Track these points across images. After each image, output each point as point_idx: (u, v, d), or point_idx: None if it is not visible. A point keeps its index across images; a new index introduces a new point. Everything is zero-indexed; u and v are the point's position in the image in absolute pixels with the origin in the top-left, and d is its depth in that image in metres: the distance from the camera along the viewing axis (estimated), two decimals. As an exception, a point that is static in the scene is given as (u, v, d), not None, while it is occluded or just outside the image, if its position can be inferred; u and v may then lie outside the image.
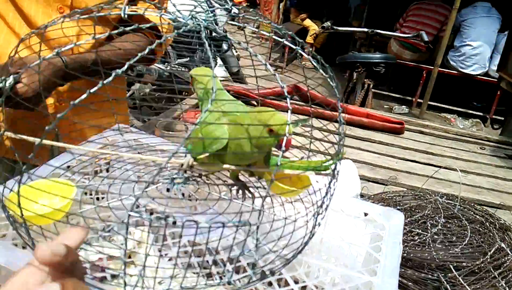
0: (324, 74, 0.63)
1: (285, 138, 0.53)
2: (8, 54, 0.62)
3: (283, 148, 0.54)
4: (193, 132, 0.55)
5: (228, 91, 1.86)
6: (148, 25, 0.53)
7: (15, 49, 0.62)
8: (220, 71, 4.04)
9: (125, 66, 0.50)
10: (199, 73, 0.69)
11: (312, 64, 0.63)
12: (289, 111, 0.52)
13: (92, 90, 0.47)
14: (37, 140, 0.53)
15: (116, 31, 0.57)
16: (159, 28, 1.04)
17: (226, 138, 0.60)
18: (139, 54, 0.51)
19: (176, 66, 3.68)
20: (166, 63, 3.67)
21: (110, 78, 0.50)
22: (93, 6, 0.61)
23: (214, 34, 0.61)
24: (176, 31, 0.53)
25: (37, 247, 0.39)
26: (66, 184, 0.67)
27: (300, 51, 0.62)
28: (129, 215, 0.47)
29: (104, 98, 0.86)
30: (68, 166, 0.81)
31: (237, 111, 0.61)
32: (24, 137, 0.58)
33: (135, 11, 0.57)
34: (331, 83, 0.62)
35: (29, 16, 0.98)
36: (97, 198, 0.83)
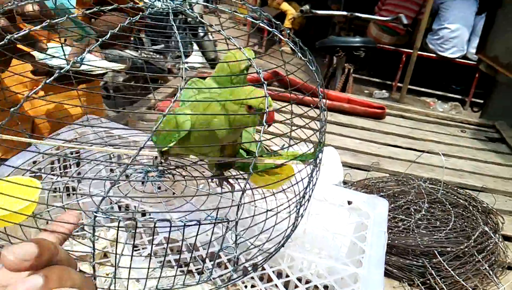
0: (303, 57, 0.60)
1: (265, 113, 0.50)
2: None
3: (265, 123, 0.50)
4: (162, 122, 0.51)
5: (205, 78, 1.77)
6: (124, 6, 0.49)
7: None
8: (196, 57, 3.96)
9: (108, 35, 0.46)
10: None
11: (291, 47, 0.60)
12: (267, 98, 0.49)
13: (48, 81, 0.43)
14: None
15: (90, 11, 0.52)
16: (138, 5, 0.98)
17: (187, 120, 0.55)
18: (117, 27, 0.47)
19: (151, 53, 3.59)
20: (139, 50, 3.57)
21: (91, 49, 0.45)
22: None
23: (189, 18, 0.57)
24: (141, 13, 0.48)
25: (2, 255, 0.34)
26: (30, 182, 0.63)
27: (277, 33, 0.58)
28: (95, 215, 0.43)
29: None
30: (34, 162, 0.76)
31: (211, 87, 0.56)
32: None
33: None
34: (310, 67, 0.59)
35: None
36: (68, 195, 0.78)
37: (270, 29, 0.56)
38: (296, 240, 0.73)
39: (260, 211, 0.55)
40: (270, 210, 0.50)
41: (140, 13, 0.47)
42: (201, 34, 4.05)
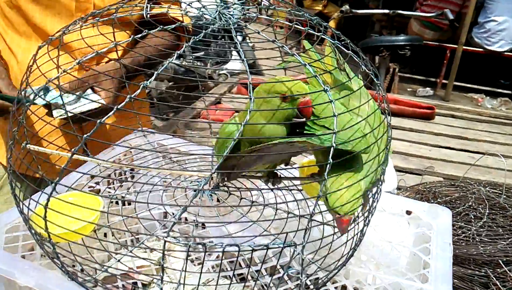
0: (357, 59, 0.58)
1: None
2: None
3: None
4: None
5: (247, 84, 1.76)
6: (172, 26, 0.49)
7: (33, 58, 0.59)
8: (236, 64, 3.97)
9: (153, 77, 0.46)
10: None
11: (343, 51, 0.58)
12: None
13: (120, 106, 0.43)
14: (62, 154, 0.50)
15: (139, 35, 0.53)
16: (184, 28, 0.99)
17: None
18: (166, 63, 0.47)
19: (191, 60, 3.63)
20: (181, 58, 3.63)
21: (138, 92, 0.45)
22: (111, 6, 0.57)
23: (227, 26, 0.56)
24: (203, 31, 0.48)
25: None
26: (92, 197, 0.64)
27: (327, 38, 0.57)
28: (165, 241, 0.43)
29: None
30: (92, 176, 0.78)
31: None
32: (47, 150, 0.55)
33: (157, 9, 0.52)
34: (365, 69, 0.57)
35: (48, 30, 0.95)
36: (123, 204, 0.80)
37: (316, 33, 0.55)
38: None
39: (329, 234, 0.53)
40: (333, 234, 0.49)
41: (203, 31, 0.47)
42: (240, 39, 4.07)
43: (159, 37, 0.98)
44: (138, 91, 0.44)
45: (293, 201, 0.71)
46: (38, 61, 0.58)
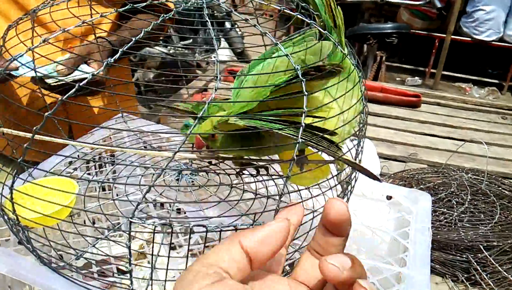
0: (341, 50, 0.57)
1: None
2: None
3: None
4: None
5: (235, 72, 1.77)
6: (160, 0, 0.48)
7: (5, 33, 0.57)
8: (225, 52, 3.94)
9: (130, 43, 0.45)
10: None
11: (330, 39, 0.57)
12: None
13: (96, 72, 0.42)
14: (28, 135, 0.49)
15: (124, 8, 0.51)
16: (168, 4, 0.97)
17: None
18: (143, 30, 0.46)
19: (179, 48, 3.59)
20: (168, 47, 3.59)
21: (116, 56, 0.44)
22: None
23: (216, 13, 0.55)
24: (174, 9, 0.47)
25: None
26: (68, 182, 0.63)
27: (315, 25, 0.56)
28: (130, 221, 0.42)
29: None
30: (70, 162, 0.77)
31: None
32: (20, 133, 0.53)
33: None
34: (351, 61, 0.56)
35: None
36: (103, 189, 0.78)
37: (308, 21, 0.54)
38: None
39: (306, 212, 0.53)
40: (313, 211, 0.48)
41: (173, 9, 0.46)
42: (228, 27, 4.03)
43: (142, 20, 0.96)
44: (116, 55, 0.42)
45: (274, 185, 0.70)
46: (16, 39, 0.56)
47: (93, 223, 0.78)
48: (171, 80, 3.24)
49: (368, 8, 3.66)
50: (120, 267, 0.63)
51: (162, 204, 0.81)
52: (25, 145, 0.42)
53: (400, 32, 2.45)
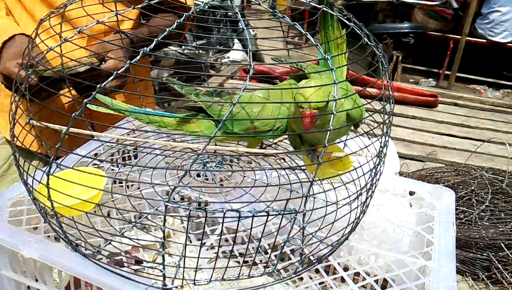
0: (368, 41, 0.57)
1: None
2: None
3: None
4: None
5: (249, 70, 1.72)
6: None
7: (35, 32, 0.58)
8: (238, 53, 3.95)
9: (153, 43, 0.46)
10: None
11: (354, 29, 0.57)
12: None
13: (120, 71, 0.43)
14: (63, 128, 0.50)
15: (141, 5, 0.52)
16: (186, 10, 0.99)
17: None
18: (168, 30, 0.47)
19: (194, 49, 3.62)
20: (183, 46, 3.61)
21: (138, 57, 0.45)
22: None
23: (230, 13, 0.56)
24: (195, 6, 0.48)
25: None
26: (96, 173, 0.64)
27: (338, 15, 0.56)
28: (166, 205, 0.43)
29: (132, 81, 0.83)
30: (96, 154, 0.78)
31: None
32: (50, 125, 0.54)
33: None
34: (377, 52, 0.57)
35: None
36: (127, 186, 0.80)
37: (319, 6, 0.54)
38: (356, 232, 0.70)
39: (324, 203, 0.54)
40: (336, 203, 0.49)
41: (193, 7, 0.47)
42: (242, 28, 4.04)
43: (162, 18, 0.98)
44: (138, 57, 0.43)
45: (297, 181, 0.71)
46: (42, 36, 0.58)
47: (116, 215, 0.79)
48: (185, 80, 3.25)
49: (383, 9, 3.64)
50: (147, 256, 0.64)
51: (188, 198, 0.82)
52: (56, 146, 0.43)
53: (416, 32, 2.43)
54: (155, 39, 0.45)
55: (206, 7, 0.56)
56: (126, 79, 0.88)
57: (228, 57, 3.77)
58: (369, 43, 0.55)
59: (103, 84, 0.42)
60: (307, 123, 0.50)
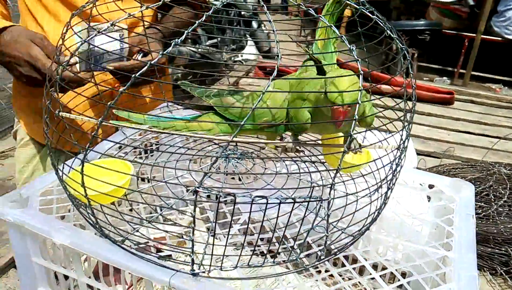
0: (388, 32, 0.58)
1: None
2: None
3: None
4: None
5: (265, 68, 1.80)
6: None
7: (65, 31, 0.60)
8: (251, 49, 3.98)
9: (183, 35, 0.47)
10: None
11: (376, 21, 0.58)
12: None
13: (153, 61, 0.45)
14: (91, 120, 0.52)
15: (157, 4, 0.54)
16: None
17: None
18: (197, 22, 0.48)
19: (207, 47, 3.65)
20: (197, 45, 3.64)
21: (170, 48, 0.47)
22: None
23: (243, 12, 0.58)
24: (214, 6, 0.49)
25: None
26: (122, 163, 0.66)
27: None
28: (196, 191, 0.44)
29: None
30: (120, 146, 0.80)
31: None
32: (82, 117, 0.56)
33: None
34: (399, 45, 0.58)
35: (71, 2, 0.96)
36: (150, 179, 0.81)
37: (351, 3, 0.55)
38: (375, 223, 0.71)
39: (350, 193, 0.55)
40: (356, 193, 0.50)
41: (212, 6, 0.48)
42: (255, 26, 4.07)
43: (181, 9, 1.00)
44: (170, 48, 0.45)
45: (316, 171, 0.72)
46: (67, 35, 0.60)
47: (137, 209, 0.82)
48: (199, 78, 3.29)
49: (396, 7, 3.63)
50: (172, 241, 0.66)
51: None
52: (93, 133, 0.45)
53: (432, 29, 2.42)
54: (185, 31, 0.47)
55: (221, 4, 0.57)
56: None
57: (241, 56, 3.79)
58: (392, 35, 0.56)
59: (138, 73, 0.43)
60: (340, 121, 0.51)
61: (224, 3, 0.56)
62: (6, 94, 3.10)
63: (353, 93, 0.50)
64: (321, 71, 0.59)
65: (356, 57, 0.48)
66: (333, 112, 0.52)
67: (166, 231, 0.60)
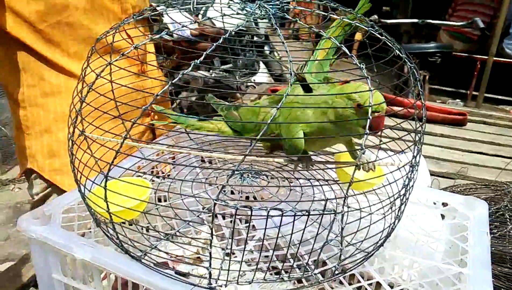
0: (397, 52, 0.60)
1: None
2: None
3: (368, 130, 0.50)
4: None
5: (276, 90, 1.81)
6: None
7: (86, 61, 0.63)
8: (263, 76, 4.03)
9: (204, 53, 0.49)
10: None
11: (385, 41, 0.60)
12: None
13: (174, 80, 0.48)
14: (116, 140, 0.54)
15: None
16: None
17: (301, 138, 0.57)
18: (214, 45, 0.51)
19: (221, 72, 3.72)
20: (210, 70, 3.71)
21: (189, 69, 0.50)
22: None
23: (255, 38, 0.61)
24: (245, 19, 0.52)
25: None
26: (141, 181, 0.68)
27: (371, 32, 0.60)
28: (215, 203, 0.46)
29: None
30: (138, 167, 0.82)
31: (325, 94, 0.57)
32: (105, 139, 0.58)
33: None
34: (408, 63, 0.59)
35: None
36: (165, 199, 0.83)
37: (365, 28, 0.58)
38: (389, 240, 0.72)
39: (358, 211, 0.56)
40: (369, 207, 0.51)
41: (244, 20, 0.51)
42: (267, 52, 4.14)
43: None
44: (167, 86, 0.47)
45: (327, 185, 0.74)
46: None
47: (154, 226, 0.83)
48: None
49: (407, 31, 3.67)
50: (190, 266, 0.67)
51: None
52: (116, 150, 0.47)
53: (443, 52, 2.45)
54: (204, 52, 0.49)
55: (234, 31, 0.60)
56: None
57: (254, 80, 3.85)
58: (401, 55, 0.58)
59: (198, 60, 0.45)
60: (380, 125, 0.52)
61: (239, 28, 0.59)
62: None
63: (380, 99, 0.52)
64: (307, 89, 0.60)
65: (366, 74, 0.50)
66: (375, 122, 0.51)
67: (184, 248, 0.61)
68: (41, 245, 0.63)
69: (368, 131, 0.48)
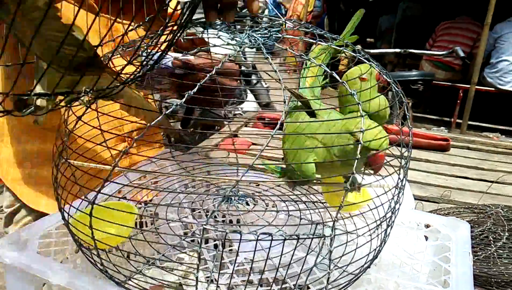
0: (387, 79, 0.62)
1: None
2: None
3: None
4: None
5: (264, 118, 1.84)
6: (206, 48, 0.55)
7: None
8: (251, 104, 4.08)
9: (207, 77, 0.50)
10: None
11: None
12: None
13: (168, 111, 0.48)
14: (104, 167, 0.54)
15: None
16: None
17: (313, 173, 0.58)
18: (208, 76, 0.52)
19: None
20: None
21: (195, 89, 0.50)
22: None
23: (243, 67, 0.62)
24: (237, 49, 0.53)
25: None
26: (125, 205, 0.68)
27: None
28: (204, 228, 0.46)
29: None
30: (119, 192, 0.82)
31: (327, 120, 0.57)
32: (93, 165, 0.58)
33: (193, 35, 0.58)
34: (394, 87, 0.61)
35: None
36: (155, 220, 0.83)
37: (354, 54, 0.60)
38: (374, 263, 0.72)
39: (345, 234, 0.56)
40: (356, 230, 0.52)
41: (237, 49, 0.52)
42: (254, 81, 4.20)
43: None
44: (159, 118, 0.48)
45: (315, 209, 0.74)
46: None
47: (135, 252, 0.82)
48: (200, 131, 3.35)
49: (391, 61, 3.77)
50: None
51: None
52: (105, 178, 0.47)
53: (424, 80, 2.52)
54: (198, 84, 0.50)
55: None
56: None
57: (242, 108, 3.89)
58: (388, 80, 0.60)
59: (191, 91, 0.46)
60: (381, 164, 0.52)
61: (229, 58, 0.60)
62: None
63: (383, 136, 0.52)
64: (310, 113, 0.60)
65: (357, 100, 0.51)
66: (374, 159, 0.52)
67: (170, 273, 0.61)
68: (15, 272, 0.61)
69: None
